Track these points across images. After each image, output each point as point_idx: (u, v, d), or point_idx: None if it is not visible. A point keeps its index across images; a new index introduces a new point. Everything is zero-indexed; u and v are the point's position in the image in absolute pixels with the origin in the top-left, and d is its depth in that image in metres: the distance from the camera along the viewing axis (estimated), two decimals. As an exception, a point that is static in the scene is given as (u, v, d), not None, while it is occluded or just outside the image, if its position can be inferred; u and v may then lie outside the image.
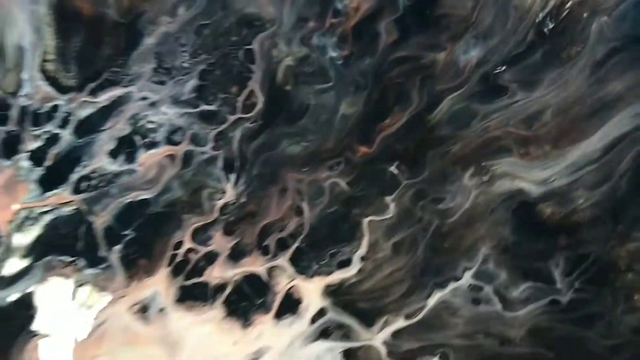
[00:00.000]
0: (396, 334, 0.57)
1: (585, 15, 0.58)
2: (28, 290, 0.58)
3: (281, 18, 0.60)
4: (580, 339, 0.56)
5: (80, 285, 0.58)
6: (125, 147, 0.60)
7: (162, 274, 0.59)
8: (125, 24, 0.60)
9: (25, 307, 0.58)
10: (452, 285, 0.58)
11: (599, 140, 0.57)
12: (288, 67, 0.60)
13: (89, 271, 0.58)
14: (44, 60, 0.60)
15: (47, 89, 0.60)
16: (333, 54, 0.60)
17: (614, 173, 0.57)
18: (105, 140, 0.60)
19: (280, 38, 0.60)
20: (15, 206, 0.58)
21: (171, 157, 0.60)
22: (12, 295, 0.58)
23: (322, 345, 0.58)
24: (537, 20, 0.58)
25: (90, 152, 0.60)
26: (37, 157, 0.59)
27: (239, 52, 0.60)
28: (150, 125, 0.60)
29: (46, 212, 0.59)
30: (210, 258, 0.59)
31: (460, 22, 0.59)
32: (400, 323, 0.58)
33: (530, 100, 0.58)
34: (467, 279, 0.58)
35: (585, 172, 0.57)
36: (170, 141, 0.60)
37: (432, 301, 0.58)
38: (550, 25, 0.58)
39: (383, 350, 0.57)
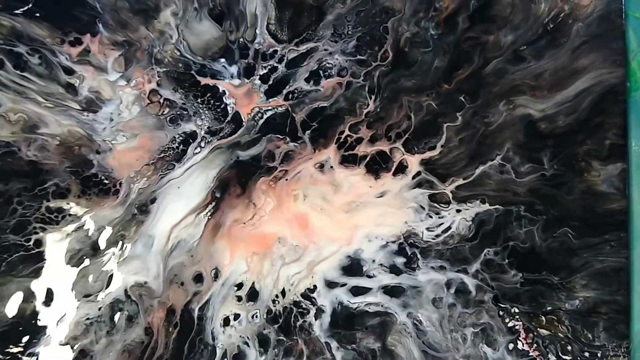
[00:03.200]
0: (458, 187, 0.97)
1: (570, 21, 0.98)
2: (257, 152, 1.00)
3: (404, 9, 1.00)
4: (555, 195, 0.96)
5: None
6: (314, 76, 0.99)
7: (332, 147, 0.98)
8: (315, 6, 1.00)
9: (256, 161, 0.98)
10: (489, 163, 0.97)
11: (572, 90, 0.97)
12: (407, 37, 0.99)
13: (292, 144, 0.99)
14: (268, 23, 1.00)
15: (270, 40, 0.99)
16: (432, 32, 0.99)
17: (579, 108, 0.96)
18: (303, 72, 0.99)
19: (403, 21, 0.99)
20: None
21: (339, 83, 0.99)
22: (249, 154, 0.98)
23: (418, 191, 0.98)
24: (544, 22, 0.98)
25: (295, 77, 0.99)
26: (264, 78, 0.98)
27: (380, 27, 0.99)
28: (328, 65, 0.99)
29: (268, 110, 0.99)
30: (359, 140, 0.98)
31: (503, 19, 0.98)
32: (460, 182, 0.97)
33: (538, 65, 0.97)
34: (497, 160, 0.97)
35: (564, 107, 0.96)
36: (339, 74, 0.99)
37: (477, 171, 0.97)
38: (551, 25, 0.98)
39: (450, 195, 0.98)
